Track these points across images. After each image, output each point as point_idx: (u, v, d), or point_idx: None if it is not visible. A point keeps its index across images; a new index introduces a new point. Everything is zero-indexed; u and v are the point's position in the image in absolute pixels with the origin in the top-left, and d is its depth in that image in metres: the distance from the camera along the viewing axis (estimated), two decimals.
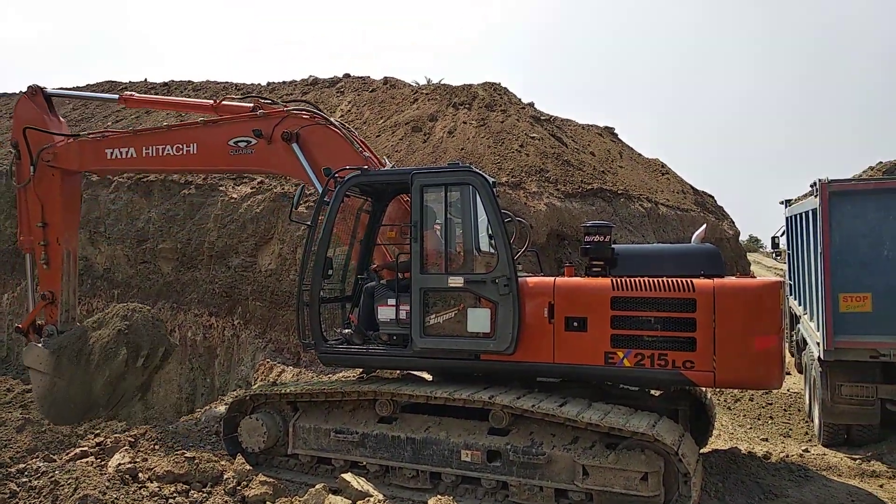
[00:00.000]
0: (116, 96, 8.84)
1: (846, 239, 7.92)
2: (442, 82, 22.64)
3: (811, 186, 8.54)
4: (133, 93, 8.56)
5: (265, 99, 8.19)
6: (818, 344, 8.26)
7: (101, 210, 17.37)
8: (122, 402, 9.16)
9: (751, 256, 38.25)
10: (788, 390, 10.98)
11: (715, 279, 5.76)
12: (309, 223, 7.16)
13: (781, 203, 13.03)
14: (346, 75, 23.30)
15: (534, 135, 18.92)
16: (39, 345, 8.79)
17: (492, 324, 6.22)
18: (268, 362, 13.16)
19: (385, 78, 22.63)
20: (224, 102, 8.39)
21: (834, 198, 7.97)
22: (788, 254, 12.41)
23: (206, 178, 16.98)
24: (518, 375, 6.58)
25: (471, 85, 21.96)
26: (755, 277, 6.49)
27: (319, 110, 7.99)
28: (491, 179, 7.15)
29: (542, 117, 21.62)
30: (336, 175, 7.12)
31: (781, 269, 23.79)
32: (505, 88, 22.05)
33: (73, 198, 9.12)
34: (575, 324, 6.02)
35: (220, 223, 15.40)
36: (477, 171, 6.52)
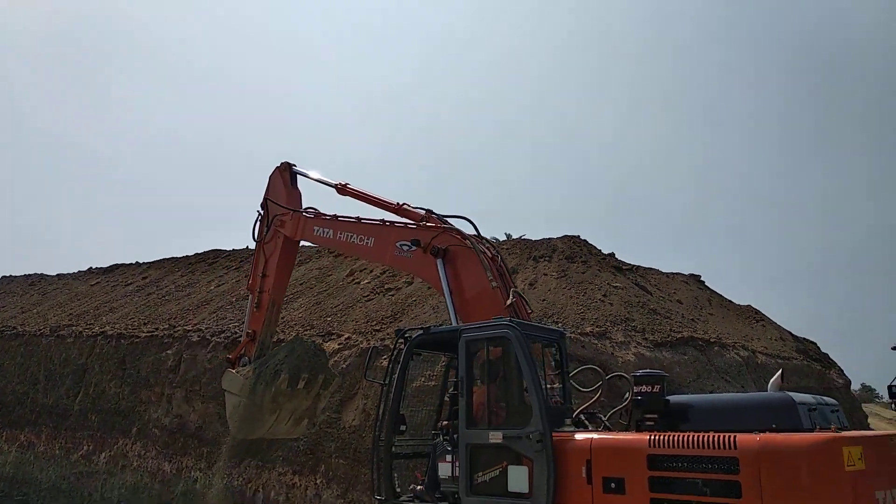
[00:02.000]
0: (333, 184, 10.16)
1: None
2: (522, 237, 23.28)
3: None
4: (349, 183, 10.12)
5: (435, 213, 8.78)
6: None
7: (198, 369, 18.14)
8: (291, 420, 10.20)
9: (866, 407, 34.78)
10: None
11: (761, 434, 4.91)
12: (381, 382, 7.35)
13: (894, 348, 12.08)
14: None
15: (617, 284, 18.77)
16: (234, 371, 10.30)
17: (529, 483, 5.80)
18: None
19: None
20: (403, 206, 9.21)
21: None
22: None
23: (296, 336, 17.59)
24: None
25: (550, 238, 22.41)
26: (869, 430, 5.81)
27: (474, 233, 8.36)
28: (564, 330, 7.04)
29: (625, 267, 21.55)
30: (405, 334, 7.35)
31: None
32: (584, 241, 22.35)
33: (288, 260, 10.81)
34: (612, 485, 5.41)
35: None
36: (514, 324, 6.40)
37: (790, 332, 24.19)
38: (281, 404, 9.78)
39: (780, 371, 6.14)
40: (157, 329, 21.13)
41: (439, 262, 8.02)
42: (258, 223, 10.87)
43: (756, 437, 4.86)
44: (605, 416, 7.20)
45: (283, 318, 19.65)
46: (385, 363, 12.74)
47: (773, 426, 5.03)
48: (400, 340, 7.40)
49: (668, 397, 5.92)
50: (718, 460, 4.91)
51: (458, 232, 8.25)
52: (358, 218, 9.44)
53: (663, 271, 24.20)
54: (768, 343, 21.10)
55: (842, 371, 23.71)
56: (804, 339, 24.48)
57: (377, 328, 17.09)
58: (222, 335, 18.85)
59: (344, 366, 15.35)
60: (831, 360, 24.26)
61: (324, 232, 9.83)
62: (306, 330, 17.75)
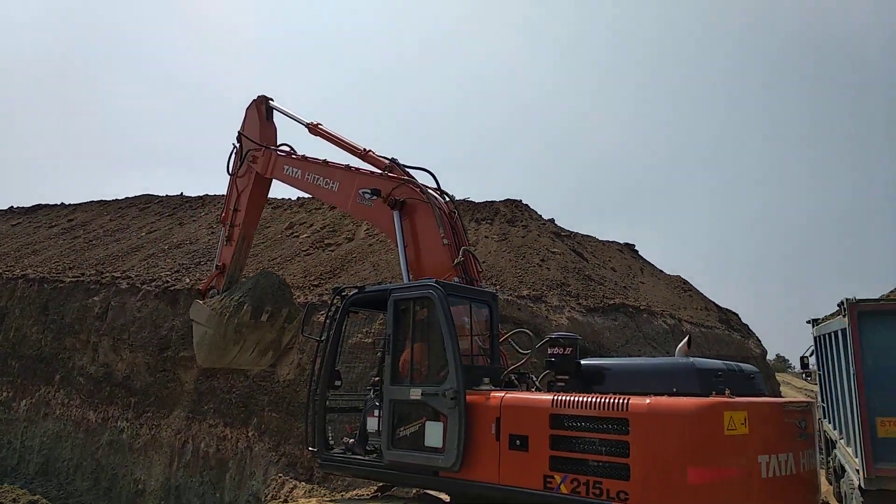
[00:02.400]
0: (305, 122, 10.07)
1: (879, 360, 7.66)
2: (466, 199, 23.33)
3: (839, 306, 8.40)
4: (321, 123, 10.01)
5: (398, 163, 8.65)
6: (857, 471, 7.81)
7: (127, 317, 17.61)
8: (255, 351, 10.37)
9: (780, 377, 37.02)
10: None
11: (652, 398, 5.05)
12: (318, 338, 7.42)
13: (808, 322, 12.79)
14: None
15: (555, 250, 19.13)
16: (201, 302, 10.49)
17: (443, 438, 5.96)
18: (280, 477, 12.74)
19: None
20: (369, 153, 9.11)
21: (863, 318, 7.80)
22: (819, 374, 12.02)
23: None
24: (469, 496, 6.08)
25: (493, 201, 22.56)
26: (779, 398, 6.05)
27: (435, 187, 8.25)
28: (496, 292, 7.16)
29: (563, 233, 21.95)
30: (342, 292, 7.43)
31: (812, 391, 22.95)
32: (526, 205, 22.59)
33: (260, 197, 10.78)
34: (518, 442, 5.54)
35: None
36: (438, 285, 6.48)
37: (714, 303, 25.32)
38: (244, 335, 9.95)
39: (686, 338, 6.33)
40: (83, 274, 20.33)
41: (396, 214, 7.98)
42: (232, 156, 10.82)
43: (646, 401, 4.99)
44: (537, 378, 7.42)
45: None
46: (322, 319, 12.71)
47: (674, 390, 5.19)
48: (336, 298, 7.43)
49: (580, 360, 6.05)
50: (612, 421, 5.06)
51: (418, 185, 8.19)
52: (325, 161, 9.35)
53: (600, 239, 24.80)
54: (694, 312, 22.04)
55: (759, 341, 25.05)
56: (727, 309, 25.69)
57: (315, 283, 16.95)
58: (153, 283, 18.31)
59: None
60: (751, 330, 25.59)
61: (293, 171, 9.73)
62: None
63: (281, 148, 10.18)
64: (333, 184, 9.04)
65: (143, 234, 24.97)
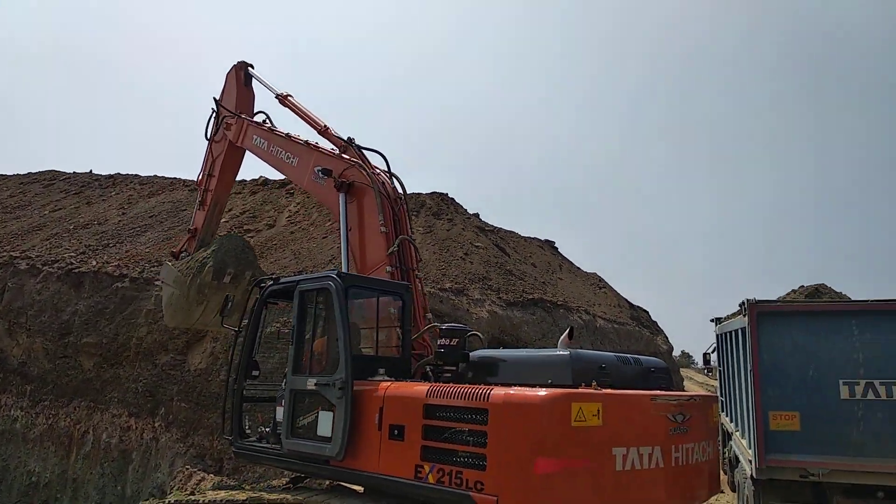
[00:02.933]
0: (277, 93, 10.06)
1: (774, 358, 8.14)
2: None
3: (740, 306, 8.87)
4: (291, 95, 10.14)
5: (353, 143, 8.58)
6: (750, 462, 8.30)
7: (25, 300, 16.55)
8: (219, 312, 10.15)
9: (684, 372, 38.89)
10: None
11: (510, 389, 5.12)
12: (235, 328, 7.45)
13: (712, 321, 13.47)
14: None
15: (478, 244, 19.34)
16: (170, 264, 10.69)
17: (332, 427, 6.04)
18: (187, 469, 12.30)
19: None
20: (327, 130, 9.14)
21: (762, 318, 8.26)
22: (719, 370, 12.68)
23: (141, 271, 16.49)
24: (359, 484, 6.23)
25: (419, 193, 22.56)
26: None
27: (385, 170, 8.20)
28: (406, 284, 7.24)
29: (487, 227, 22.22)
30: (261, 283, 7.39)
31: (713, 386, 24.24)
32: (452, 198, 22.73)
33: (233, 164, 10.87)
34: (396, 432, 5.64)
35: (153, 318, 14.81)
36: (338, 276, 6.51)
37: (627, 300, 26.30)
38: (208, 296, 10.05)
39: (568, 329, 6.52)
40: None
41: (342, 196, 7.97)
42: (211, 121, 10.92)
43: (503, 392, 5.06)
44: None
45: (127, 252, 18.36)
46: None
47: (549, 381, 5.27)
48: (255, 289, 7.39)
49: (471, 351, 6.16)
50: (475, 411, 5.13)
51: (367, 168, 8.11)
52: (287, 134, 9.31)
53: (522, 235, 25.27)
54: (607, 309, 22.82)
55: (667, 338, 26.20)
56: (638, 307, 26.75)
57: None
58: (56, 265, 17.27)
59: None
60: (659, 327, 26.74)
61: (260, 142, 9.75)
62: (153, 267, 16.70)
63: (255, 117, 10.15)
64: (293, 158, 9.08)
65: (46, 212, 23.51)
